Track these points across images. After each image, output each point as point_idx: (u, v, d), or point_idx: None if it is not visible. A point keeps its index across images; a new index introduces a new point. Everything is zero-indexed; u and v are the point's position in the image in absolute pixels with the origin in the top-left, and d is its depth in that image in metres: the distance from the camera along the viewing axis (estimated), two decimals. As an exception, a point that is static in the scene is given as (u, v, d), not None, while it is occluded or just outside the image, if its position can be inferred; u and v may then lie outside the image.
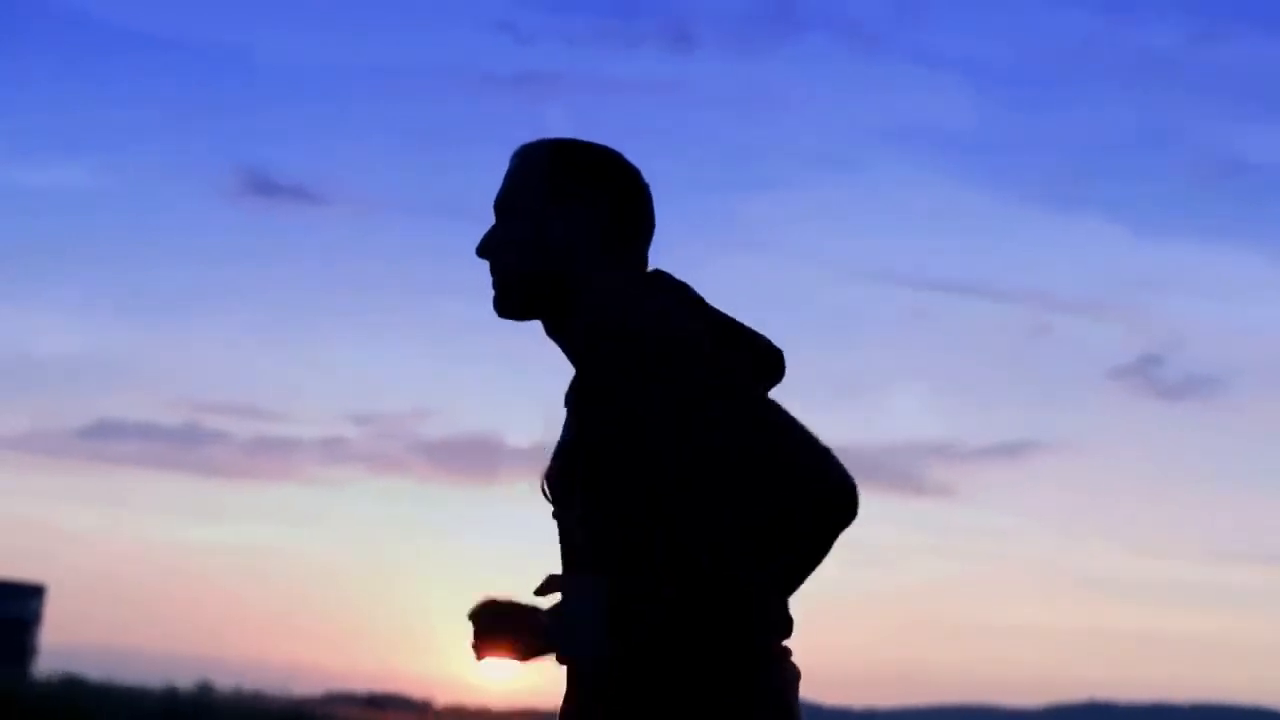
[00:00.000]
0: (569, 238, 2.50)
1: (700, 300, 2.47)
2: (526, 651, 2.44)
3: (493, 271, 2.56)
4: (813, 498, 2.26)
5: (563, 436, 2.49)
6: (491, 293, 2.56)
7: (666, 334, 2.34)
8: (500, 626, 2.43)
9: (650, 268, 2.56)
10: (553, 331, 2.55)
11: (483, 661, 2.48)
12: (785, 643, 2.38)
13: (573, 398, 2.47)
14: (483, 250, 2.56)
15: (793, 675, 2.38)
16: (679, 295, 2.46)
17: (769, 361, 2.45)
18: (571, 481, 2.41)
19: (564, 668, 2.44)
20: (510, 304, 2.55)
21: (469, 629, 2.48)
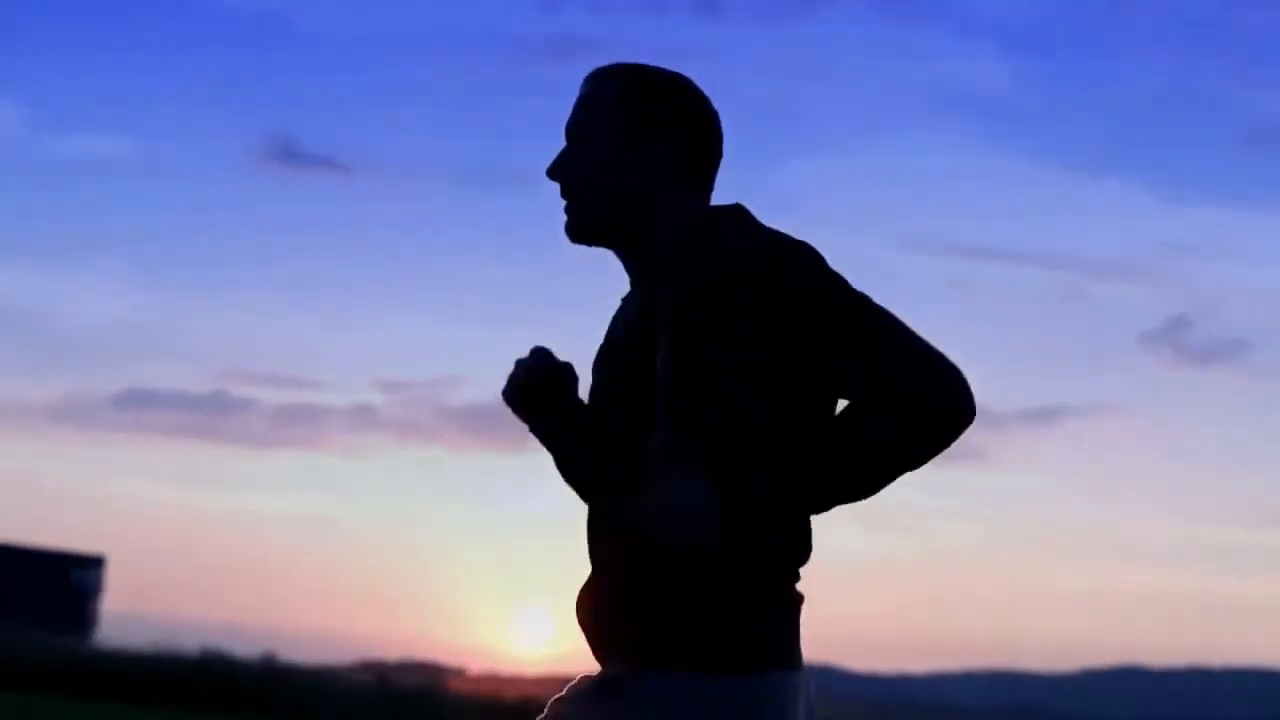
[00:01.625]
0: (645, 167, 2.52)
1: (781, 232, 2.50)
2: (561, 419, 2.63)
3: (565, 195, 2.57)
4: (960, 405, 2.37)
5: (619, 329, 2.59)
6: (563, 216, 2.58)
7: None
8: (547, 384, 2.62)
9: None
10: (625, 260, 2.58)
11: (514, 412, 2.65)
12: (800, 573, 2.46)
13: (640, 300, 2.53)
14: (555, 173, 2.57)
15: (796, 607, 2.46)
16: (759, 225, 2.50)
17: None
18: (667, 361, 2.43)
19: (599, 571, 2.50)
20: (584, 231, 2.57)
21: (513, 371, 2.65)
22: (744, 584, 2.37)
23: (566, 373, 2.64)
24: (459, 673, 25.97)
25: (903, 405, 2.35)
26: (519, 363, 2.63)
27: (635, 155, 2.52)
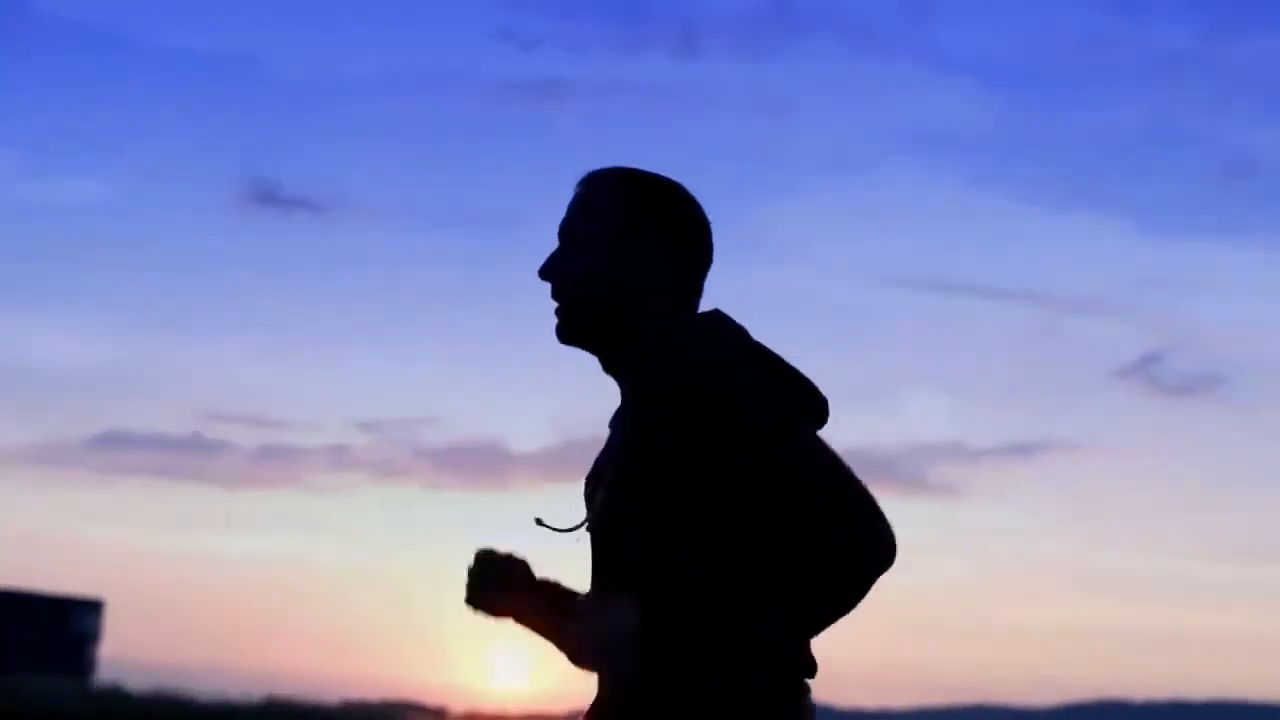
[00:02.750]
0: (638, 274, 2.54)
1: (756, 343, 2.52)
2: (526, 606, 2.63)
3: (556, 298, 2.59)
4: (859, 548, 2.36)
5: (604, 458, 2.61)
6: (554, 319, 2.59)
7: (727, 383, 2.43)
8: (500, 579, 2.62)
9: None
10: (609, 365, 2.60)
11: (478, 613, 2.64)
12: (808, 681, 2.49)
13: (623, 429, 2.55)
14: (547, 274, 2.59)
15: (809, 714, 2.48)
16: (737, 339, 2.52)
17: (816, 405, 2.50)
18: (615, 508, 2.49)
19: (588, 674, 2.54)
20: (575, 333, 2.58)
21: (467, 580, 2.63)
22: (726, 707, 2.41)
23: (513, 568, 2.64)
24: (443, 712, 25.98)
25: (844, 564, 2.37)
26: (468, 571, 2.64)
27: (627, 262, 2.54)
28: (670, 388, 2.47)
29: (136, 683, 24.92)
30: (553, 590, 2.64)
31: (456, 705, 26.31)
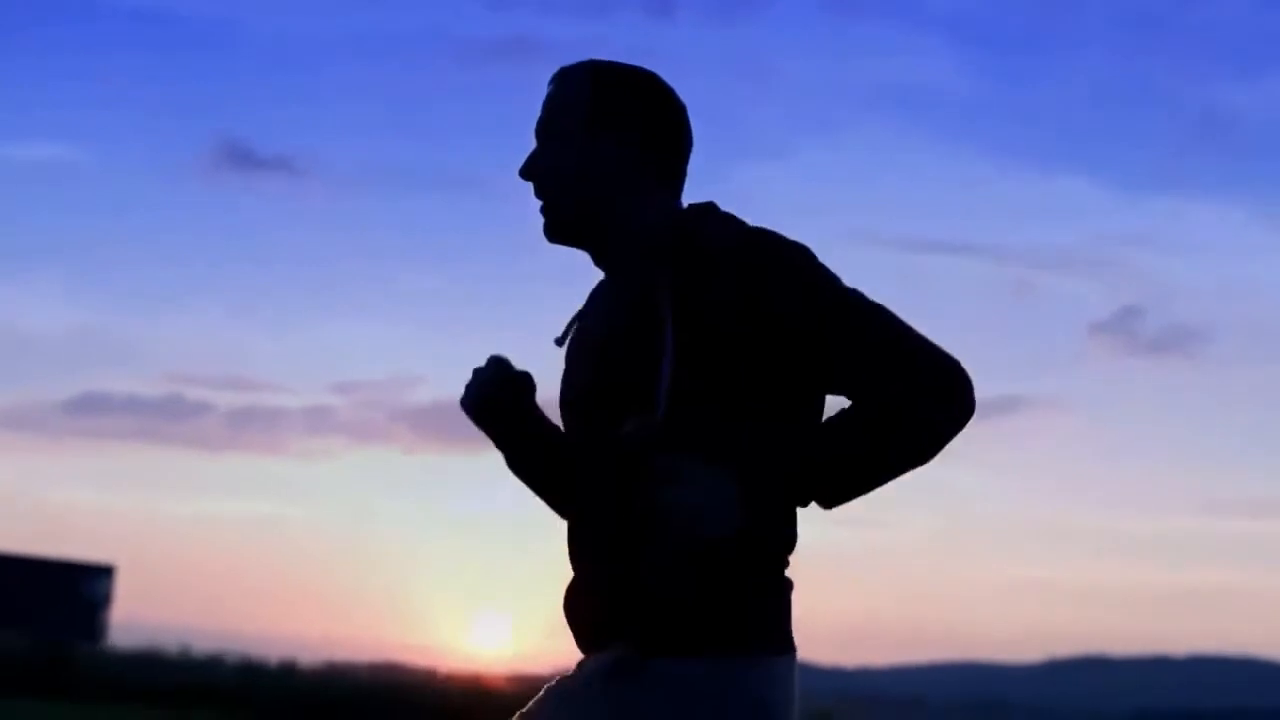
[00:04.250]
0: (615, 162, 2.54)
1: None
2: (526, 428, 2.65)
3: (539, 196, 2.59)
4: (960, 399, 2.42)
5: (598, 329, 2.58)
6: (540, 218, 2.59)
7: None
8: (510, 389, 2.62)
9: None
10: (600, 258, 2.60)
11: (475, 416, 2.64)
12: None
13: (668, 304, 2.47)
14: (527, 173, 2.60)
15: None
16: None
17: None
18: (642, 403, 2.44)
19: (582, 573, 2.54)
20: (560, 230, 2.58)
21: (472, 380, 2.63)
22: (751, 571, 2.43)
23: (525, 383, 2.65)
24: (432, 674, 25.93)
25: (907, 404, 2.39)
26: (476, 373, 2.65)
27: (604, 151, 2.54)
28: (687, 240, 2.48)
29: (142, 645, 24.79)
30: (554, 429, 2.67)
31: (442, 666, 26.18)
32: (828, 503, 2.44)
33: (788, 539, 2.48)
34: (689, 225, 2.51)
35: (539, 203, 2.59)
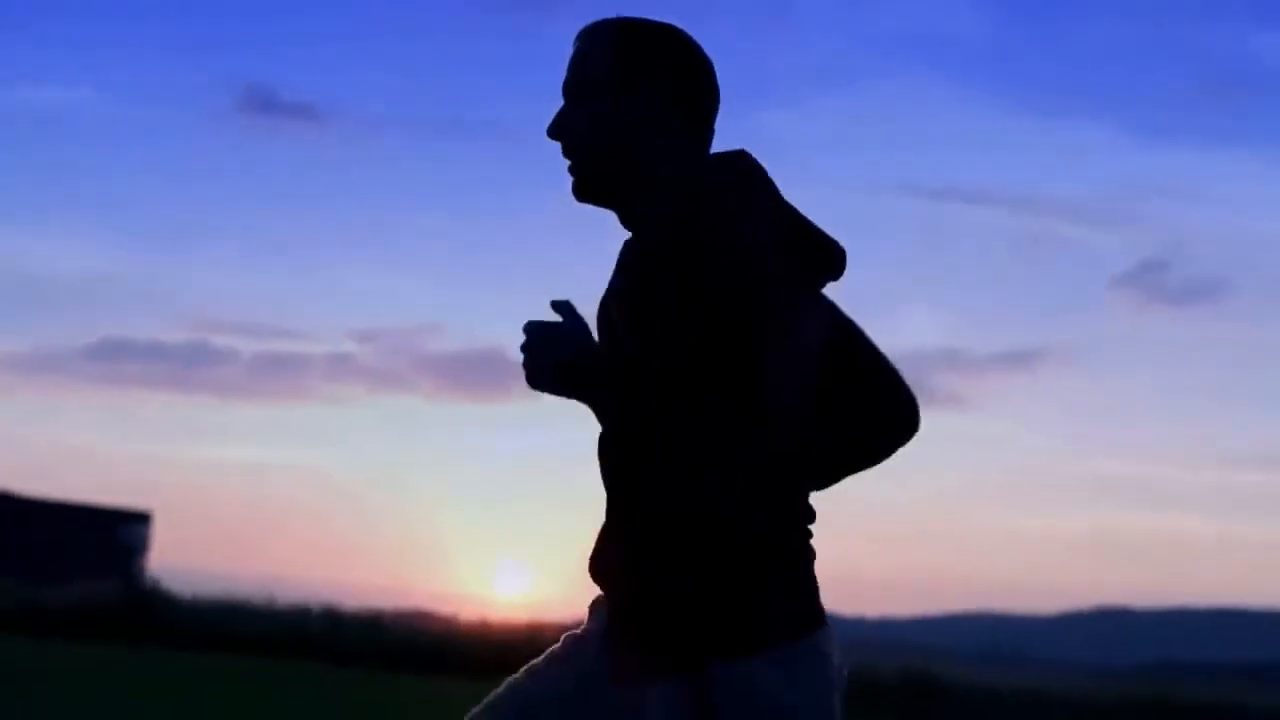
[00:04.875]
0: (643, 120, 2.53)
1: (770, 193, 2.44)
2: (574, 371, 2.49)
3: (567, 154, 2.58)
4: (891, 413, 2.51)
5: (611, 291, 2.57)
6: (569, 177, 2.58)
7: (730, 242, 2.38)
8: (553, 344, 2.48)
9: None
10: (626, 218, 2.57)
11: (537, 386, 2.49)
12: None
13: (642, 259, 2.49)
14: (555, 132, 2.58)
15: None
16: (754, 186, 2.43)
17: (831, 258, 2.48)
18: (640, 312, 2.45)
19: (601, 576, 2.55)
20: (589, 189, 2.57)
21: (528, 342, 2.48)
22: (771, 564, 2.43)
23: (588, 333, 2.53)
24: (451, 621, 25.81)
25: (872, 415, 2.50)
26: (536, 334, 2.48)
27: (631, 107, 2.53)
28: (674, 241, 2.42)
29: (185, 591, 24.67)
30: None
31: (465, 613, 26.09)
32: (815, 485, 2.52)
33: (803, 519, 2.48)
34: (695, 187, 2.44)
35: (567, 162, 2.57)
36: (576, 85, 2.58)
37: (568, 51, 2.61)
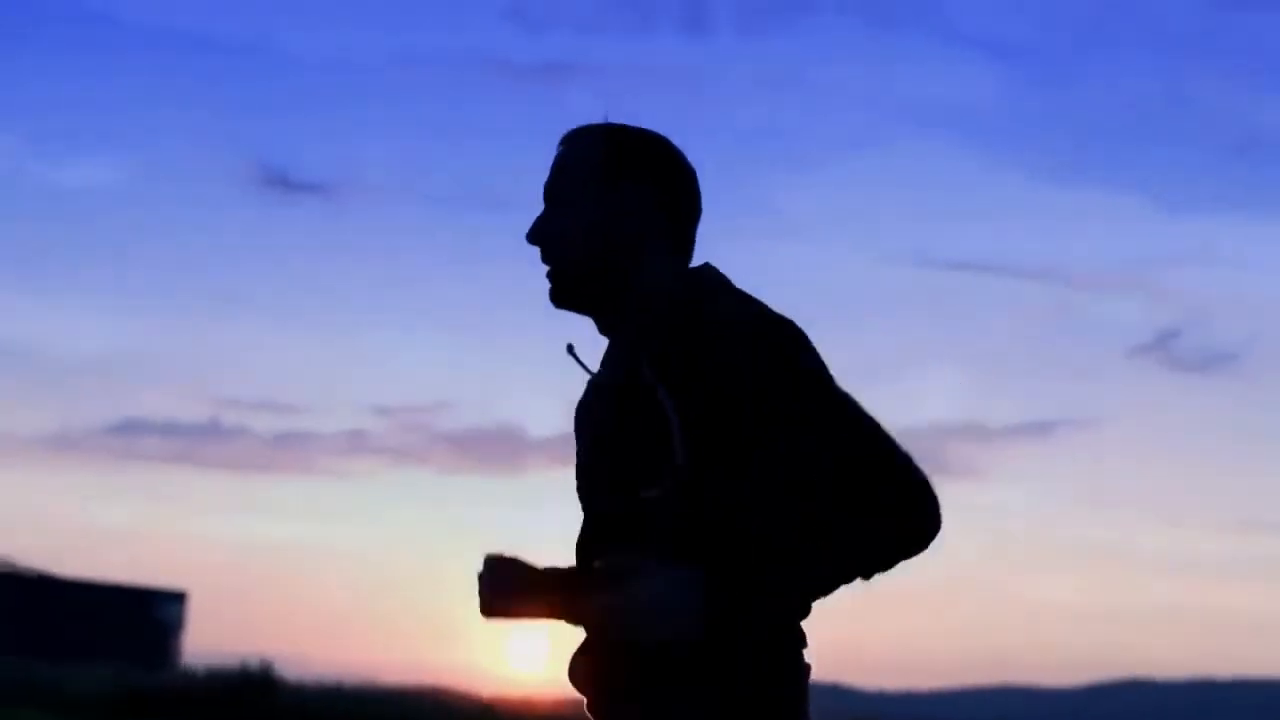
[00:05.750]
0: (625, 227, 2.48)
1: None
2: (541, 613, 2.47)
3: (546, 260, 2.52)
4: (913, 522, 2.33)
5: (612, 424, 2.49)
6: (546, 284, 2.53)
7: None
8: (514, 583, 2.46)
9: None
10: (605, 325, 2.54)
11: (491, 620, 2.49)
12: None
13: (648, 379, 2.41)
14: (534, 238, 2.53)
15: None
16: (736, 290, 2.46)
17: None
18: (658, 462, 2.38)
19: (584, 651, 2.49)
20: (567, 295, 2.52)
21: (477, 585, 2.48)
22: (785, 664, 2.39)
23: (521, 567, 2.48)
24: (471, 698, 25.94)
25: (885, 512, 2.32)
26: (480, 578, 2.48)
27: (614, 214, 2.48)
28: (683, 310, 2.41)
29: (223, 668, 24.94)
30: (561, 576, 2.50)
31: (482, 690, 26.19)
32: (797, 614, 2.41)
33: (798, 643, 2.42)
34: (697, 291, 2.44)
35: (545, 268, 2.52)
36: (559, 189, 2.52)
37: (579, 124, 2.57)
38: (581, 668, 2.48)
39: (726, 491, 2.35)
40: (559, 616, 2.48)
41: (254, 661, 23.26)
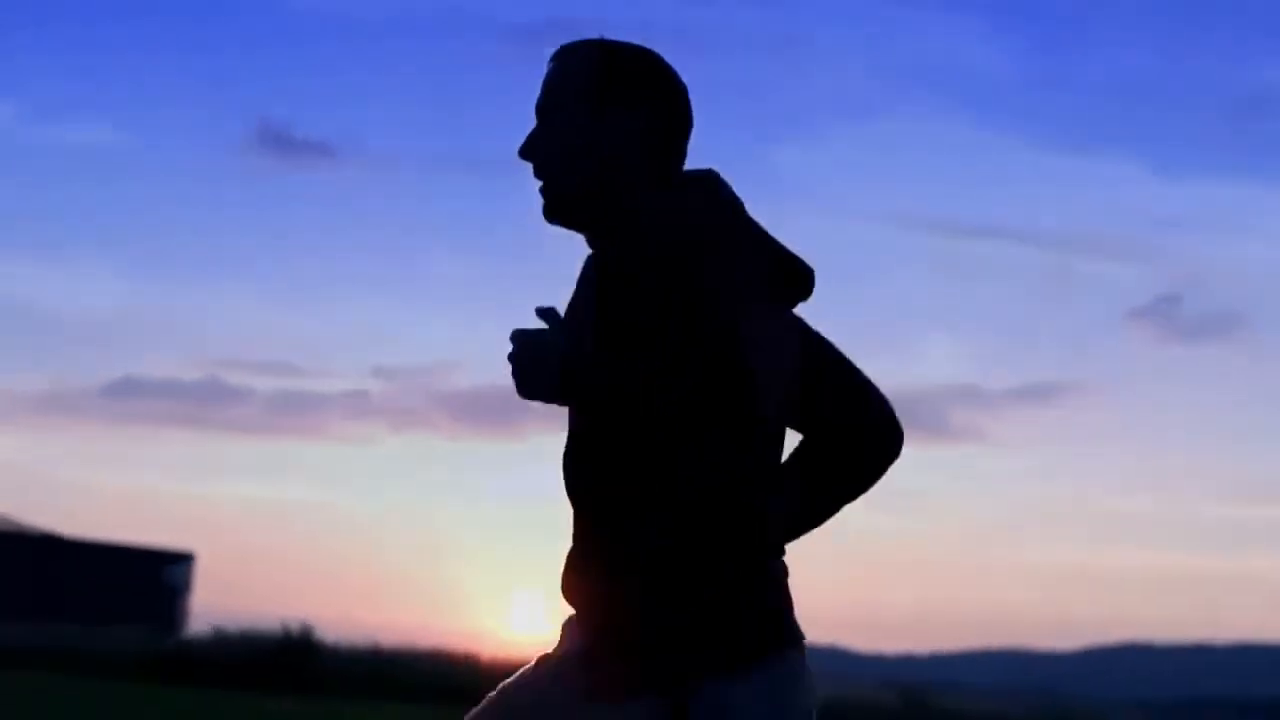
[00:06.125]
0: (615, 142, 2.50)
1: (745, 215, 2.51)
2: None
3: (538, 175, 2.55)
4: (872, 432, 2.48)
5: (584, 313, 2.55)
6: (540, 198, 2.55)
7: (699, 248, 2.42)
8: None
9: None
10: (595, 240, 2.56)
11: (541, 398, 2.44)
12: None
13: (611, 278, 2.51)
14: (526, 152, 2.55)
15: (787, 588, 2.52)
16: (732, 215, 2.49)
17: (798, 279, 2.49)
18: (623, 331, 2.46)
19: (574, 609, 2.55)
20: (559, 210, 2.54)
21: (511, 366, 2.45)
22: (764, 570, 2.47)
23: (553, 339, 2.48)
24: (474, 659, 25.98)
25: (851, 438, 2.48)
26: (522, 342, 2.44)
27: (604, 128, 2.50)
28: (648, 251, 2.45)
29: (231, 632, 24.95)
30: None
31: (483, 652, 26.19)
32: (774, 544, 2.48)
33: (779, 538, 2.49)
34: (640, 215, 2.48)
35: (538, 183, 2.54)
36: (550, 105, 2.55)
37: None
38: (571, 581, 2.55)
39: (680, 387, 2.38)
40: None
41: (294, 625, 23.15)
